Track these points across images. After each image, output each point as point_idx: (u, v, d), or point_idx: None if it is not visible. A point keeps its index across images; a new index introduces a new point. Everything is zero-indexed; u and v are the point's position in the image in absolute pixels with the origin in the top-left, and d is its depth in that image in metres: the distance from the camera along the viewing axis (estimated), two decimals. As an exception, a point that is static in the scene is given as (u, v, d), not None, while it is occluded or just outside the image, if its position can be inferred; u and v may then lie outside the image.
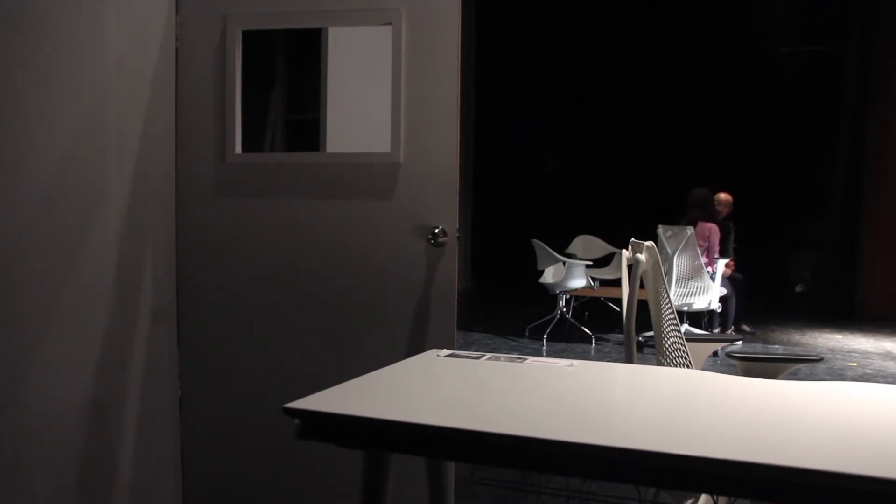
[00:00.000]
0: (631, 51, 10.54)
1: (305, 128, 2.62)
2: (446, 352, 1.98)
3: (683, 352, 2.25)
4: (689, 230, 6.19)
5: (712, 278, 6.27)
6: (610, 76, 10.65)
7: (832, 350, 6.62)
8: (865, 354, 6.43)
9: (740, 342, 6.69)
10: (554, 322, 6.86)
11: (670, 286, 6.07)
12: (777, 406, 1.51)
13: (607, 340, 6.76)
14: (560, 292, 6.78)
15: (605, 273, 7.25)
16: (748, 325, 7.19)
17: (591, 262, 6.92)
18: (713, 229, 6.55)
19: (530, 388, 1.64)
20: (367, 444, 1.46)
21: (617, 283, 6.54)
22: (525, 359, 1.90)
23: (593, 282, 6.66)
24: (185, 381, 2.60)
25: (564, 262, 6.58)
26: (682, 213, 6.78)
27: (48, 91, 2.07)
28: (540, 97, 11.28)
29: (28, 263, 2.02)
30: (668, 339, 2.28)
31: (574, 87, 10.84)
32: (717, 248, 6.54)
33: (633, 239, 2.47)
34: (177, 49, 2.52)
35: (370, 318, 2.48)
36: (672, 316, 2.30)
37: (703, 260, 6.34)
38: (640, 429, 1.36)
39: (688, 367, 2.22)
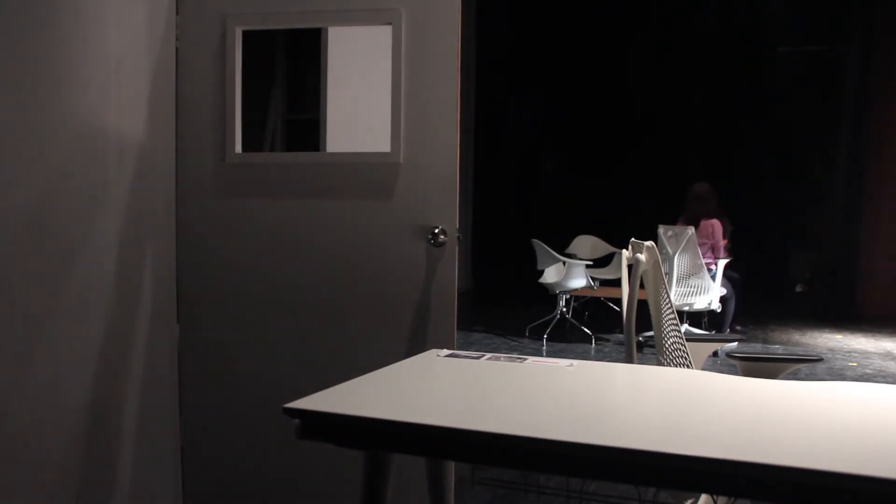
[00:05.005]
0: (631, 50, 10.54)
1: (305, 128, 2.62)
2: (446, 352, 1.98)
3: (683, 352, 2.25)
4: (690, 230, 6.17)
5: (713, 277, 6.25)
6: (610, 76, 10.64)
7: (832, 350, 6.61)
8: (865, 354, 6.42)
9: (740, 342, 6.68)
10: (554, 322, 6.86)
11: (670, 286, 6.07)
12: (777, 406, 1.51)
13: (607, 340, 6.76)
14: (560, 292, 6.77)
15: (605, 273, 7.24)
16: (739, 325, 7.11)
17: (591, 262, 6.92)
18: (716, 225, 6.44)
19: (530, 388, 1.64)
20: (367, 444, 1.46)
21: (617, 283, 6.53)
22: (525, 359, 1.90)
23: (593, 282, 6.65)
24: (185, 381, 2.60)
25: (564, 262, 6.58)
26: (683, 212, 6.71)
27: (48, 91, 2.07)
28: (540, 97, 11.26)
29: (28, 263, 2.02)
30: (668, 339, 2.28)
31: (574, 87, 10.82)
32: (721, 245, 6.44)
33: (633, 239, 2.47)
34: (177, 49, 2.52)
35: (370, 317, 2.48)
36: (672, 316, 2.30)
37: (708, 259, 6.29)
38: (640, 429, 1.36)
39: (688, 367, 2.22)
